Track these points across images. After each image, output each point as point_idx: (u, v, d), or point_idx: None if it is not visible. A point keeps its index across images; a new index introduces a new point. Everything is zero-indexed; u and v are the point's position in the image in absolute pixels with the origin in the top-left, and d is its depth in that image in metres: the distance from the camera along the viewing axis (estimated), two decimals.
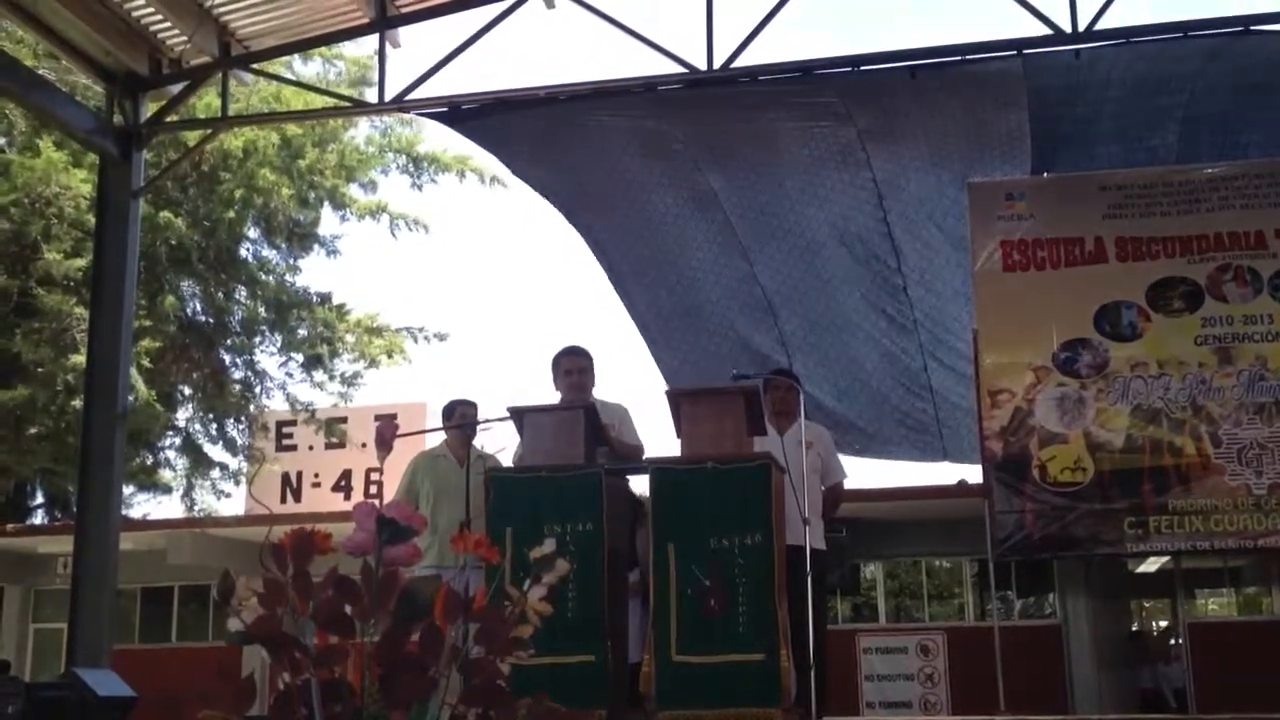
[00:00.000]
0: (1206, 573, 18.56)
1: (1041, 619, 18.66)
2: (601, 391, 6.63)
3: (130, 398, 9.97)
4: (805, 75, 8.17)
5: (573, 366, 6.57)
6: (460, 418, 6.92)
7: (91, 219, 10.73)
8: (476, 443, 6.75)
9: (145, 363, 12.66)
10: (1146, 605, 20.79)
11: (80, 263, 12.43)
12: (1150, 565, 17.43)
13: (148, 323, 12.80)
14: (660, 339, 9.91)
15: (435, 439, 7.31)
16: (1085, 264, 7.93)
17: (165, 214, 12.97)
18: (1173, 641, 17.88)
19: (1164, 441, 7.55)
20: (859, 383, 9.65)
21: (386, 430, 2.30)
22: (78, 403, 10.54)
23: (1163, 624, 19.91)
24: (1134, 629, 19.77)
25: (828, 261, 9.13)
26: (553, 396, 6.56)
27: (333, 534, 2.18)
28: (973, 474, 10.22)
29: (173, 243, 13.20)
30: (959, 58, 7.77)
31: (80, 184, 12.69)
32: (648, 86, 8.41)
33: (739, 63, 8.07)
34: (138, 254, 9.01)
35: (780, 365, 8.85)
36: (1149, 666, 17.87)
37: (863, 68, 7.97)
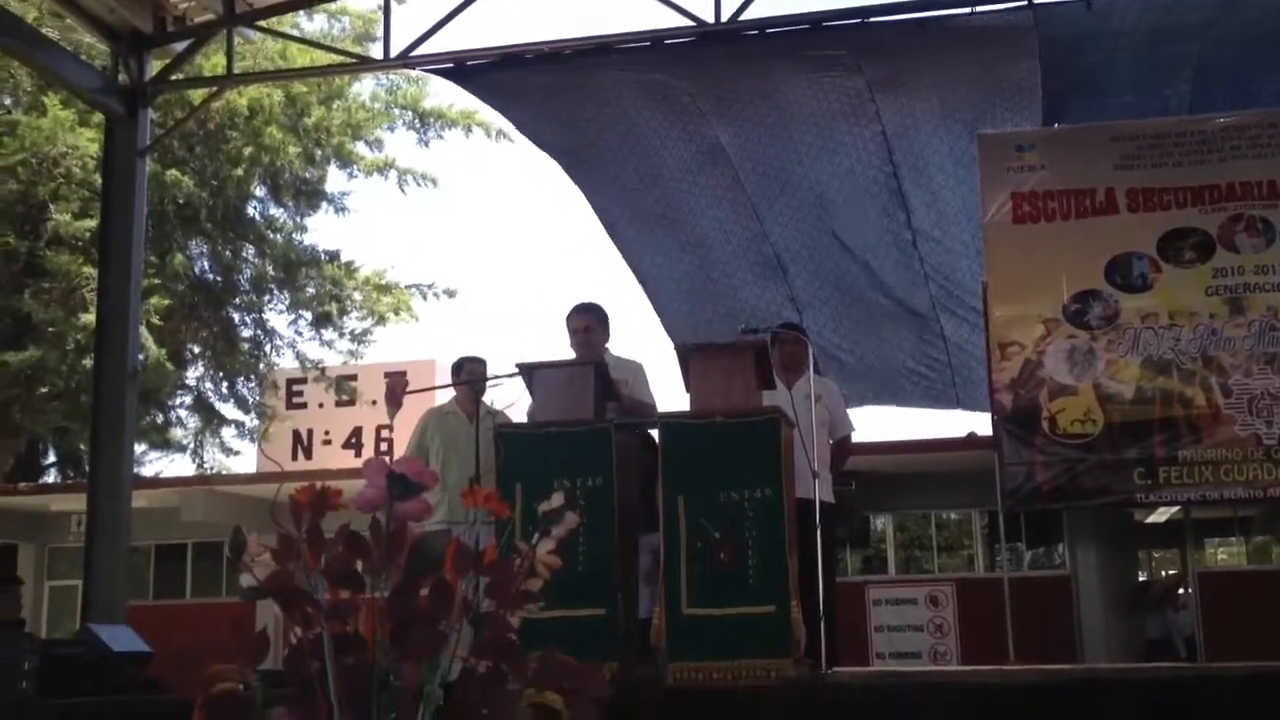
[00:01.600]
0: (1216, 522, 18.59)
1: (1051, 570, 18.73)
2: (617, 347, 6.64)
3: (140, 356, 10.01)
4: (814, 28, 8.10)
5: (580, 324, 6.57)
6: (469, 374, 6.93)
7: (99, 179, 10.72)
8: (486, 399, 6.77)
9: (155, 321, 12.69)
10: (1156, 555, 20.86)
11: (89, 223, 12.44)
12: (1159, 515, 17.46)
13: (156, 281, 12.83)
14: (667, 295, 9.89)
15: (444, 395, 7.33)
16: (1096, 215, 7.87)
17: (172, 172, 12.97)
18: (1181, 591, 17.94)
19: (1174, 392, 7.53)
20: (871, 334, 9.65)
21: (397, 386, 2.30)
22: (88, 362, 10.59)
23: (1171, 573, 19.98)
24: (1142, 578, 19.84)
25: (837, 215, 9.10)
26: (566, 353, 6.57)
27: (343, 490, 2.20)
28: (982, 426, 10.25)
29: (180, 201, 13.21)
30: (968, 9, 7.69)
31: (87, 143, 12.68)
32: (655, 40, 8.35)
33: (747, 15, 8.01)
34: (145, 213, 9.01)
35: (790, 320, 8.84)
36: (1158, 616, 17.95)
37: (872, 19, 7.89)
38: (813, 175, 8.91)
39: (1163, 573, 20.29)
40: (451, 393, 7.18)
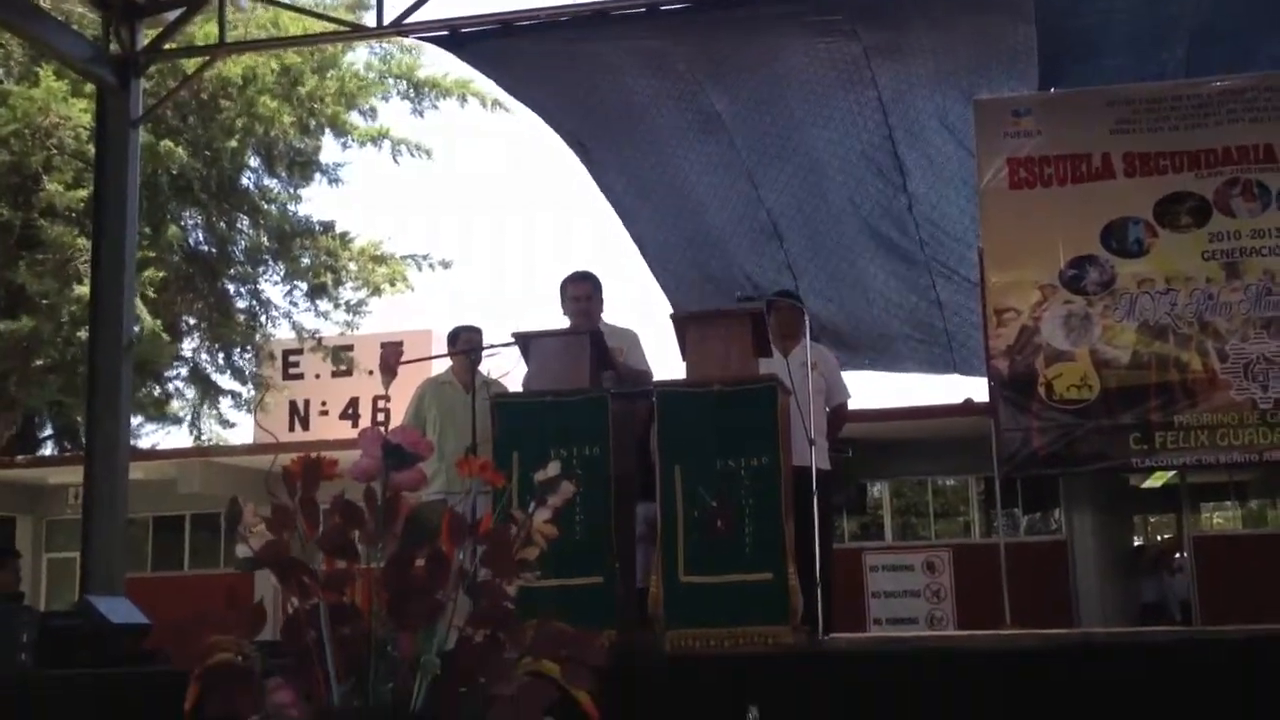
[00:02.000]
0: (1212, 487, 18.66)
1: (1047, 535, 18.80)
2: (611, 316, 6.63)
3: (135, 328, 9.98)
4: None
5: (579, 292, 6.55)
6: (465, 343, 6.92)
7: (92, 149, 10.66)
8: (482, 368, 6.76)
9: (150, 293, 12.66)
10: (1152, 520, 20.94)
11: (82, 194, 12.38)
12: (1155, 480, 17.50)
13: (151, 253, 12.78)
14: (664, 263, 9.88)
15: (441, 365, 7.32)
16: (1092, 180, 7.84)
17: (166, 143, 12.89)
18: (1177, 555, 18.02)
19: (1170, 357, 7.53)
20: (866, 300, 9.64)
21: (391, 356, 2.29)
22: (84, 334, 10.55)
23: (1166, 537, 20.07)
24: (1138, 543, 19.92)
25: (833, 181, 9.07)
26: (561, 322, 6.56)
27: (339, 461, 2.19)
28: (979, 392, 10.25)
29: (174, 172, 13.14)
30: None
31: (80, 114, 12.61)
32: (651, 7, 8.29)
33: None
34: (138, 183, 8.96)
35: (786, 287, 8.83)
36: (1153, 580, 18.03)
37: None
38: (808, 141, 8.88)
39: (1158, 537, 20.38)
40: (448, 363, 7.17)
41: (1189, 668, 4.06)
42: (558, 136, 9.39)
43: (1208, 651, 4.28)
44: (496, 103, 13.67)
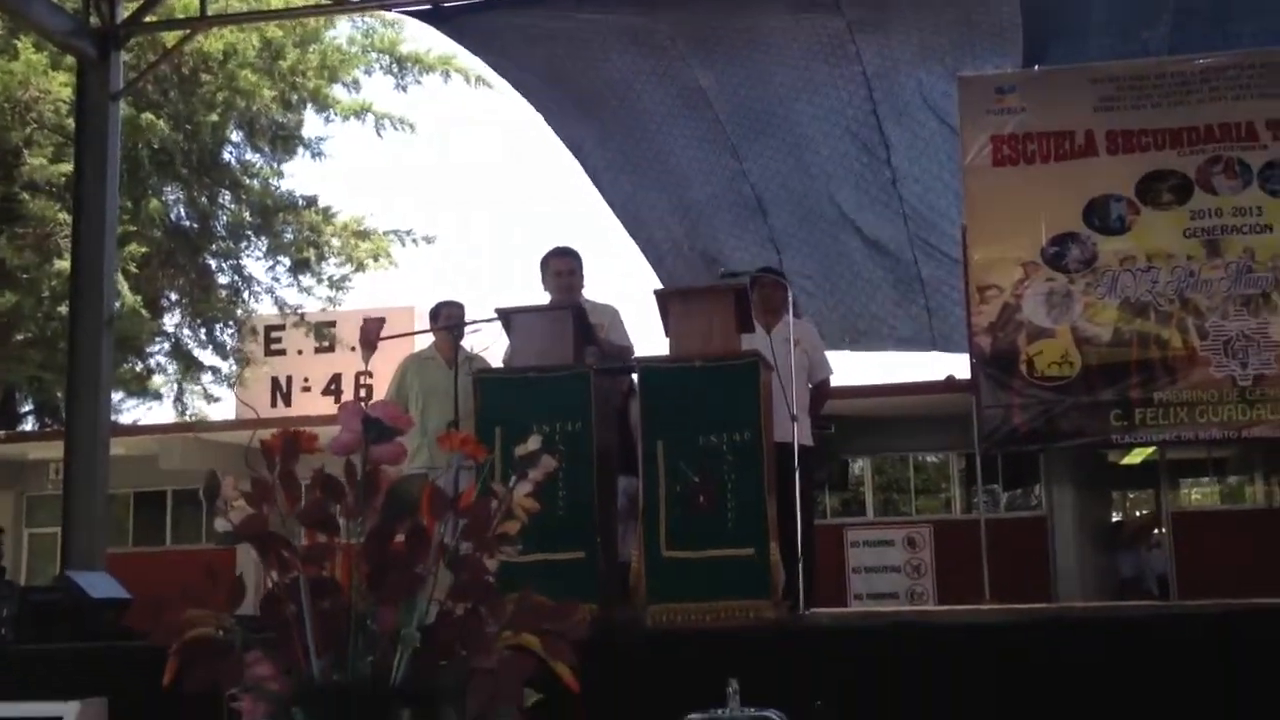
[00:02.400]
0: (1190, 463, 18.77)
1: (1027, 511, 18.89)
2: (591, 292, 6.62)
3: (116, 303, 9.93)
4: None
5: (562, 267, 6.55)
6: (446, 319, 6.90)
7: (73, 123, 10.58)
8: (465, 344, 6.75)
9: (131, 268, 12.60)
10: (1131, 496, 21.06)
11: (63, 168, 12.29)
12: (1135, 457, 17.60)
13: (132, 228, 12.71)
14: (648, 238, 9.87)
15: (424, 341, 7.30)
16: (1075, 157, 7.87)
17: (147, 116, 12.80)
18: (1156, 531, 18.14)
19: (1151, 334, 7.58)
20: (849, 276, 9.65)
21: (371, 330, 2.28)
22: (64, 309, 10.50)
23: (1144, 512, 20.20)
24: (1117, 519, 20.04)
25: (816, 156, 9.06)
26: (541, 297, 6.54)
27: (319, 436, 2.19)
28: (960, 369, 10.29)
29: (155, 146, 13.04)
30: None
31: (60, 87, 12.51)
32: None
33: None
34: (119, 157, 8.90)
35: (769, 263, 8.83)
36: (1131, 555, 18.16)
37: None
38: (793, 116, 8.86)
39: (1137, 513, 20.51)
40: (431, 338, 7.15)
41: (1165, 643, 4.09)
42: (540, 113, 9.36)
43: (1185, 626, 4.31)
44: (480, 79, 13.61)
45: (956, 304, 8.86)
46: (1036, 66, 8.41)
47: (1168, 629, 4.29)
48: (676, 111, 9.00)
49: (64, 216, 11.96)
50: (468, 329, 6.71)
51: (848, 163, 9.02)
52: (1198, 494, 20.04)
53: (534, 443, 2.19)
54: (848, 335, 9.85)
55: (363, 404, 2.17)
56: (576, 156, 9.52)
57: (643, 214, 9.78)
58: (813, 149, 9.03)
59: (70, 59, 10.80)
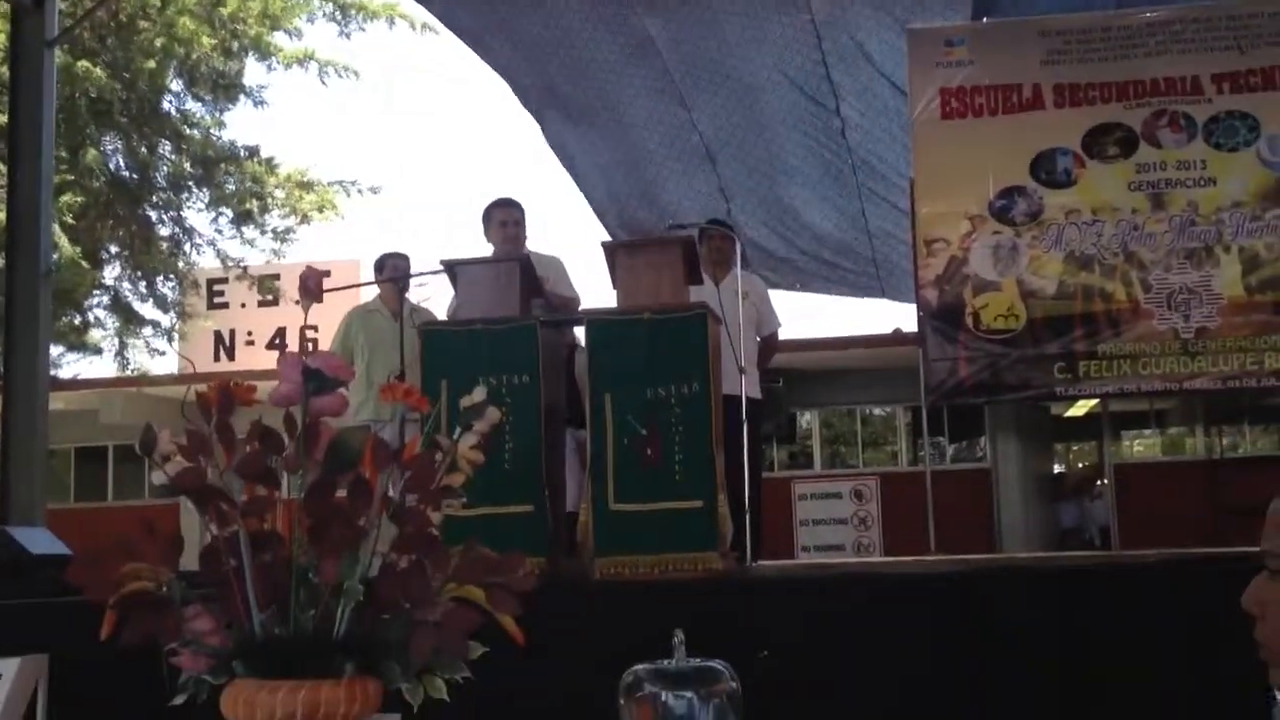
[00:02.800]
0: (1132, 415, 19.04)
1: (972, 463, 19.10)
2: (536, 243, 6.58)
3: (54, 255, 9.75)
4: None
5: (507, 218, 6.50)
6: (391, 270, 6.84)
7: (6, 71, 10.32)
8: (409, 296, 6.69)
9: (68, 219, 12.36)
10: (1075, 448, 21.35)
11: None
12: (1078, 409, 17.82)
13: (70, 178, 12.46)
14: (595, 186, 9.83)
15: (368, 294, 7.23)
16: (1023, 111, 7.89)
17: (83, 64, 12.52)
18: (1099, 483, 18.41)
19: (1095, 288, 7.63)
20: (798, 224, 9.68)
21: (310, 279, 2.23)
22: (0, 260, 10.29)
23: (1086, 464, 20.48)
24: (1059, 469, 20.32)
25: (766, 105, 9.03)
26: (484, 249, 6.49)
27: (258, 388, 2.14)
28: (908, 322, 10.35)
29: (92, 94, 12.78)
30: None
31: None
32: None
33: None
34: (55, 106, 8.69)
35: (718, 212, 8.83)
36: (1074, 505, 18.42)
37: None
38: (741, 65, 8.81)
39: (1079, 465, 20.80)
40: (375, 291, 7.08)
41: (1106, 591, 4.14)
42: (487, 63, 9.25)
43: (1126, 575, 4.36)
44: (426, 26, 13.42)
45: (903, 256, 8.90)
46: (985, 19, 8.41)
47: (1110, 578, 4.34)
48: (625, 60, 8.92)
49: None
50: (413, 281, 6.65)
51: (797, 111, 8.99)
52: (1140, 446, 20.35)
53: (479, 394, 2.16)
54: (796, 280, 9.90)
55: (301, 354, 2.13)
56: (525, 105, 9.43)
57: (590, 163, 9.72)
58: (762, 98, 9.00)
59: (3, 5, 10.53)
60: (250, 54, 13.90)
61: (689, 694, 2.12)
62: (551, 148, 9.66)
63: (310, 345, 18.47)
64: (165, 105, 14.00)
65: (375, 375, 6.40)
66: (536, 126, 9.54)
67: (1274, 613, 1.40)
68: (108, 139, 13.71)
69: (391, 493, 2.09)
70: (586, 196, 9.86)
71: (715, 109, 9.07)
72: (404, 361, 6.07)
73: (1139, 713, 3.71)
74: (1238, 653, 1.84)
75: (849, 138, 9.07)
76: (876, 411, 20.65)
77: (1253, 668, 1.62)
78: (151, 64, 13.05)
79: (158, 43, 13.02)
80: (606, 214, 9.82)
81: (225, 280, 17.39)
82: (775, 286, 9.35)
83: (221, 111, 14.34)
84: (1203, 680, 3.62)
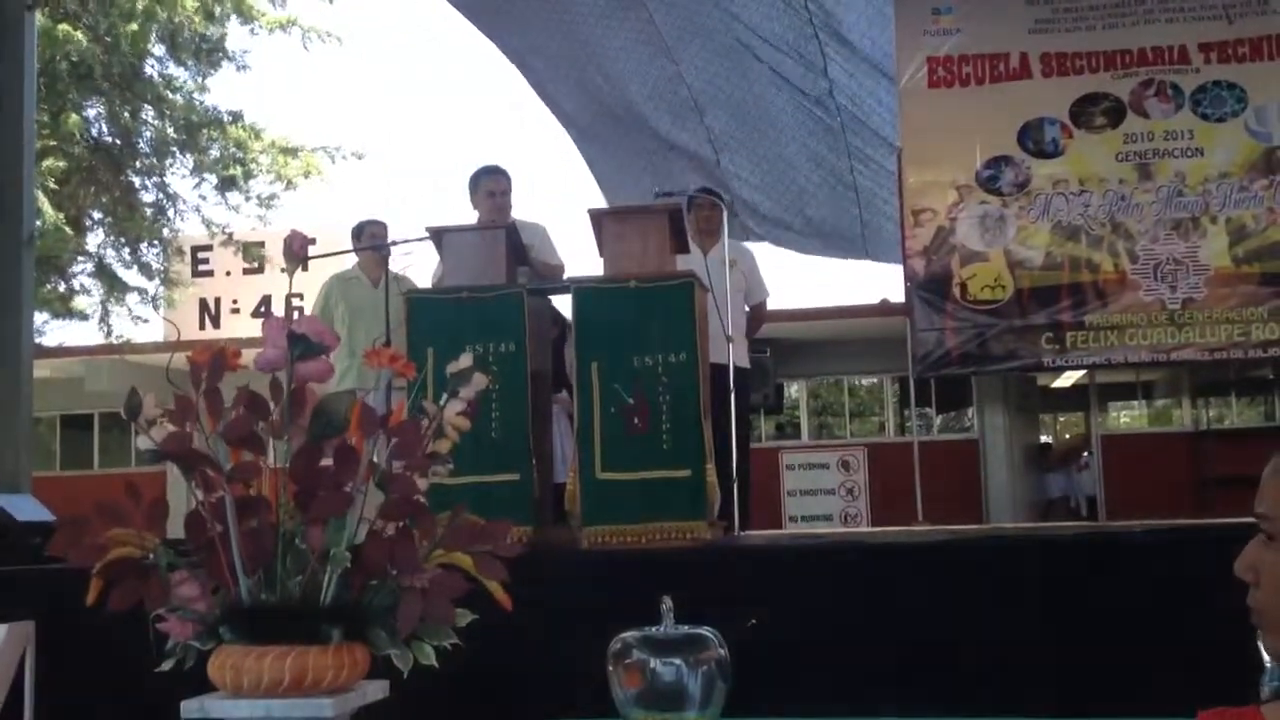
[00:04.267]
0: (1119, 386, 19.10)
1: (960, 433, 19.15)
2: (521, 211, 6.55)
3: (37, 221, 9.67)
4: None
5: (495, 187, 6.47)
6: (370, 238, 6.81)
7: None
8: (391, 264, 6.65)
9: (50, 185, 12.27)
10: (1062, 419, 21.41)
11: None
12: (1065, 380, 17.87)
13: (51, 143, 12.36)
14: (590, 141, 9.82)
15: (346, 261, 7.20)
16: (1010, 80, 7.87)
17: (64, 27, 12.40)
18: (1085, 454, 18.48)
19: (1082, 258, 7.64)
20: (786, 180, 9.67)
21: (295, 242, 2.20)
22: None
23: (1068, 436, 20.56)
24: (1045, 440, 20.39)
25: (754, 61, 9.00)
26: (470, 216, 6.46)
27: (241, 354, 2.13)
28: (895, 293, 10.36)
29: (74, 58, 12.66)
30: None
31: None
32: None
33: None
34: (35, 69, 8.62)
35: (709, 160, 8.84)
36: (1060, 475, 18.50)
37: None
38: (726, 20, 8.76)
39: (1065, 435, 20.88)
40: (353, 258, 7.04)
41: (1093, 561, 4.15)
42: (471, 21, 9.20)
43: (1111, 546, 4.38)
44: None
45: (889, 218, 8.90)
46: None
47: (1096, 548, 4.36)
48: (609, 14, 8.85)
49: None
50: (401, 251, 6.61)
51: (785, 69, 8.96)
52: (1126, 417, 20.42)
53: (466, 360, 2.15)
54: (783, 237, 9.90)
55: (286, 319, 2.11)
56: (510, 58, 9.40)
57: (582, 116, 9.72)
58: (748, 55, 8.96)
59: None
60: (233, 18, 13.79)
61: (677, 660, 2.12)
62: (541, 99, 9.68)
63: (298, 314, 18.42)
64: (147, 70, 13.89)
65: (356, 344, 6.38)
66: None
67: (1269, 578, 1.39)
68: (89, 104, 13.60)
69: (378, 459, 2.08)
70: (580, 148, 9.88)
71: (703, 64, 9.07)
72: (390, 328, 6.04)
73: (1126, 682, 3.72)
74: (1224, 620, 1.84)
75: (837, 99, 9.05)
76: (864, 382, 20.68)
77: (1241, 634, 1.62)
78: (134, 27, 12.92)
79: (139, 6, 12.89)
80: (602, 172, 9.83)
81: (210, 247, 17.29)
82: (760, 239, 9.37)
83: (204, 76, 14.25)
84: (1189, 648, 3.64)
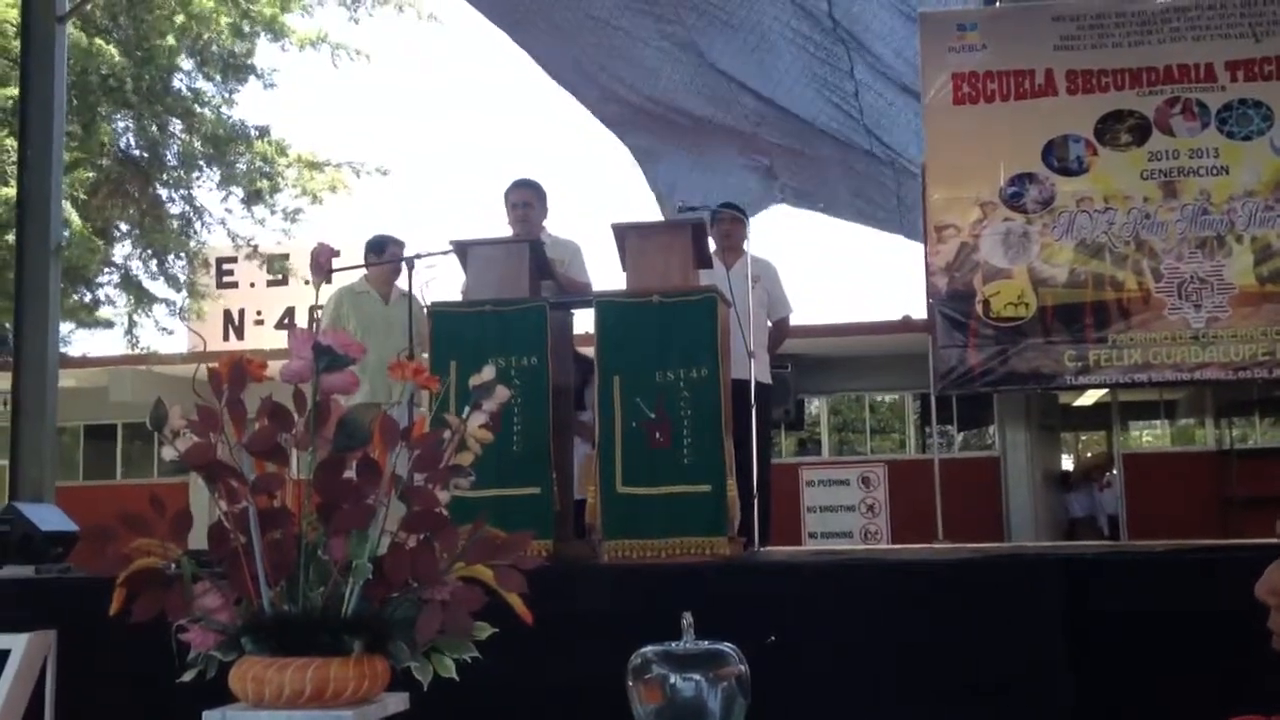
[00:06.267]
0: (1142, 405, 18.99)
1: (981, 451, 19.06)
2: (555, 229, 6.56)
3: (65, 231, 9.75)
4: None
5: (519, 199, 6.48)
6: (392, 255, 6.85)
7: (17, 46, 10.32)
8: (402, 281, 6.68)
9: (79, 195, 12.37)
10: (1083, 437, 21.29)
11: (9, 92, 12.02)
12: (1088, 398, 17.77)
13: (81, 155, 12.47)
14: (630, 131, 9.88)
15: (356, 275, 7.20)
16: (1035, 96, 7.85)
17: (96, 41, 12.52)
18: (1109, 472, 18.37)
19: (1106, 276, 7.60)
20: (822, 156, 9.73)
21: (321, 255, 2.22)
22: (11, 236, 10.30)
23: (1090, 455, 20.44)
24: (1069, 459, 20.28)
25: (781, 57, 9.05)
26: (505, 231, 6.48)
27: (268, 365, 2.14)
28: (917, 309, 10.36)
29: (104, 72, 12.77)
30: None
31: (5, 9, 12.21)
32: None
33: None
34: (65, 82, 8.70)
35: (745, 130, 8.87)
36: (1083, 494, 18.38)
37: None
38: (753, 17, 8.80)
39: (1088, 454, 20.76)
40: (362, 273, 7.07)
41: (1114, 581, 4.13)
42: (495, 45, 9.28)
43: (1134, 565, 4.35)
44: (432, 16, 13.46)
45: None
46: (998, 3, 8.37)
47: (1118, 568, 4.33)
48: (635, 7, 8.87)
49: (10, 142, 11.71)
50: (425, 264, 6.63)
51: (810, 70, 9.00)
52: (1149, 436, 20.30)
53: (488, 373, 2.16)
54: (821, 201, 9.94)
55: (311, 331, 2.12)
56: (539, 63, 9.48)
57: (614, 109, 9.79)
58: (775, 53, 8.99)
59: None
60: (263, 34, 13.89)
61: (697, 676, 2.12)
62: (575, 97, 9.81)
63: (319, 325, 18.49)
64: (176, 84, 14.01)
65: (367, 358, 6.38)
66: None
67: None
68: (119, 116, 13.71)
69: (400, 472, 2.09)
70: (620, 137, 9.98)
71: (730, 57, 9.20)
72: (412, 343, 6.06)
73: (1148, 702, 3.70)
74: (1248, 642, 1.83)
75: (862, 100, 9.09)
76: (885, 398, 20.62)
77: (1265, 658, 1.61)
78: (170, 40, 13.04)
79: (176, 19, 13.00)
80: (644, 155, 9.96)
81: (234, 259, 17.40)
82: (798, 203, 9.44)
83: (232, 92, 14.35)
84: (1211, 669, 3.61)
